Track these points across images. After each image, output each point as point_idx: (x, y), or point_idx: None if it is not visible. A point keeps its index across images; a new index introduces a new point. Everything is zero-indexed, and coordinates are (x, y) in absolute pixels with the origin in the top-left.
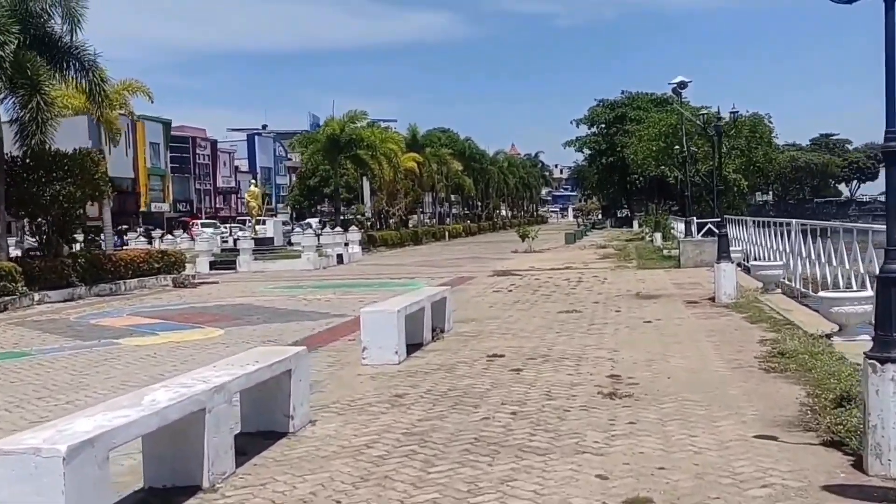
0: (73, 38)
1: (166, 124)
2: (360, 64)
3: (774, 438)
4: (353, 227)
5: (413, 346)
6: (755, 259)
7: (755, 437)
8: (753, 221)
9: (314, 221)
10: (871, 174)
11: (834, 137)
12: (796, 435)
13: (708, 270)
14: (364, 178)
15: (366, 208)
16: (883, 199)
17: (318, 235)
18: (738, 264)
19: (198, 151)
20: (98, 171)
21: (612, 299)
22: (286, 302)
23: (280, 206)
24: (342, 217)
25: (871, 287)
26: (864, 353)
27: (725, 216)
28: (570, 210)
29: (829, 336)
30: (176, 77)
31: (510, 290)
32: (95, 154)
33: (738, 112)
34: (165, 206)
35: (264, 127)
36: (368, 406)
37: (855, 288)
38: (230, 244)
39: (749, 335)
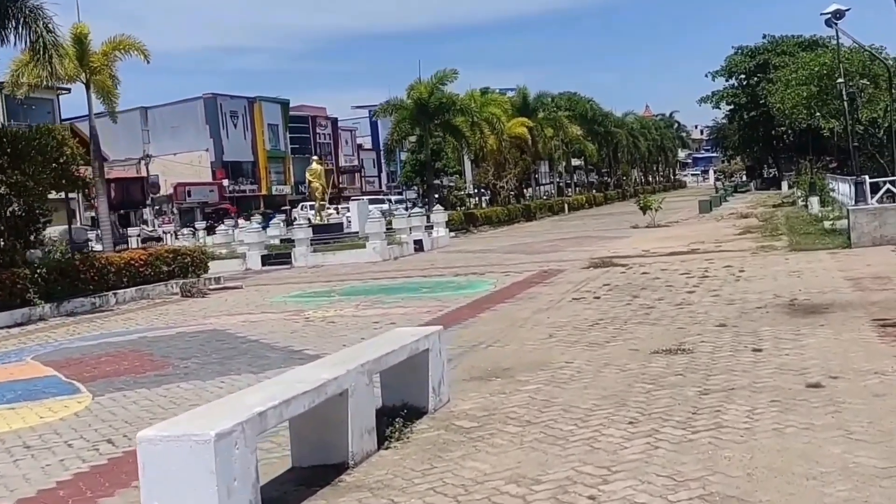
0: None
1: (284, 104)
2: (489, 38)
3: None
4: (438, 207)
5: (319, 475)
6: None
7: None
8: None
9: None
10: None
11: None
12: None
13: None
14: (462, 149)
15: (466, 183)
16: None
17: (388, 219)
18: None
19: (318, 131)
20: (64, 154)
21: (748, 316)
22: (277, 326)
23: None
24: (440, 194)
25: None
26: None
27: None
28: (710, 173)
29: None
30: (308, 63)
31: (597, 298)
32: (59, 131)
33: None
34: (287, 189)
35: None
36: None
37: None
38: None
39: None
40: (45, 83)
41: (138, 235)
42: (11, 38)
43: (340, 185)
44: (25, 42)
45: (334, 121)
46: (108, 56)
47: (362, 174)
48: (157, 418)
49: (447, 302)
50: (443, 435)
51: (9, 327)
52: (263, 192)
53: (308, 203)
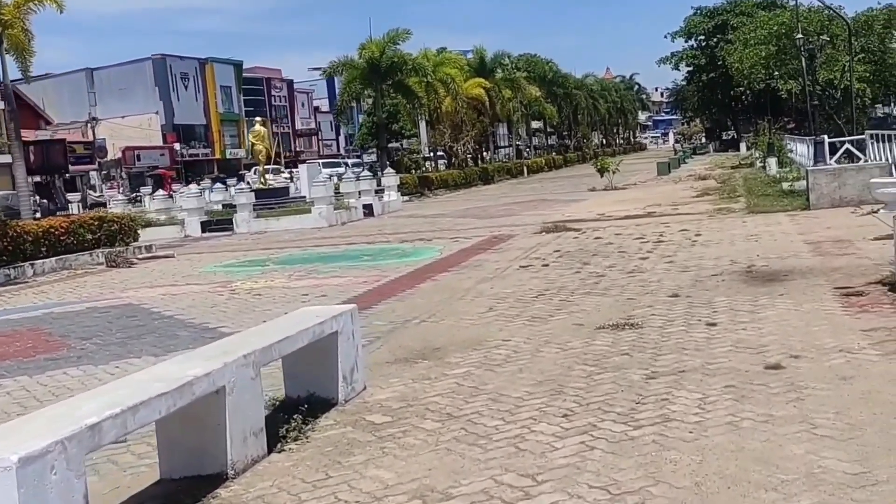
0: None
1: (237, 66)
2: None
3: None
4: (390, 170)
5: (189, 489)
6: None
7: None
8: None
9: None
10: None
11: None
12: None
13: (855, 215)
14: (416, 110)
15: (422, 145)
16: None
17: (336, 183)
18: None
19: (273, 93)
20: None
21: (703, 284)
22: (198, 299)
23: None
24: (395, 158)
25: None
26: None
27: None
28: (670, 135)
29: None
30: (265, 24)
31: (545, 265)
32: None
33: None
34: (241, 153)
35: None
36: None
37: None
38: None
39: None
40: None
41: (79, 201)
42: None
43: (297, 150)
44: None
45: (290, 83)
46: (20, 9)
47: (319, 137)
48: (14, 415)
49: (387, 271)
50: (348, 434)
51: None
52: (217, 155)
53: (269, 166)
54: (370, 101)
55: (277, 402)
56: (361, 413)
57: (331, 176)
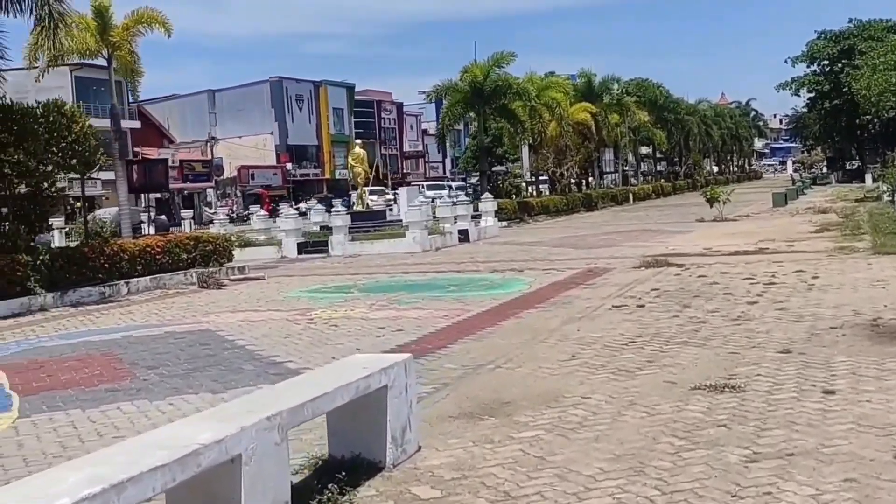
0: None
1: (350, 89)
2: (561, 24)
3: None
4: (487, 195)
5: None
6: None
7: None
8: None
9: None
10: None
11: None
12: None
13: None
14: (519, 134)
15: (523, 170)
16: None
17: (433, 207)
18: None
19: (383, 115)
20: (72, 133)
21: (819, 339)
22: (274, 328)
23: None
24: (496, 182)
25: None
26: None
27: None
28: (788, 163)
29: None
30: (379, 48)
31: (641, 306)
32: (71, 108)
33: None
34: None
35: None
36: None
37: None
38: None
39: None
40: (61, 58)
41: (191, 218)
42: (17, 6)
43: (404, 172)
44: (32, 12)
45: (399, 105)
46: (128, 30)
47: (426, 160)
48: (51, 458)
49: (471, 304)
50: None
51: (2, 318)
52: (327, 176)
53: (367, 188)
54: (476, 124)
55: (319, 462)
56: (408, 483)
57: (433, 199)
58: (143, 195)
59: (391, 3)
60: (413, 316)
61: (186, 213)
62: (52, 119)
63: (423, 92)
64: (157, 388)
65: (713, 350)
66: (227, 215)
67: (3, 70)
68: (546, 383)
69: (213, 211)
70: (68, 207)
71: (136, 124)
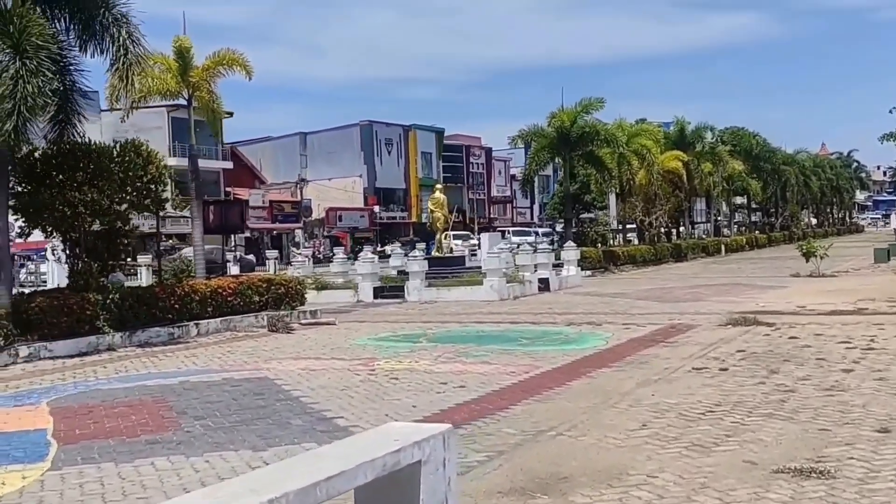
0: None
1: (439, 133)
2: (656, 71)
3: None
4: (570, 243)
5: None
6: None
7: None
8: None
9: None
10: None
11: None
12: None
13: None
14: (606, 181)
15: (610, 217)
16: None
17: (513, 254)
18: None
19: (472, 160)
20: (147, 173)
21: None
22: (333, 378)
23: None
24: (582, 230)
25: None
26: None
27: None
28: (892, 217)
29: None
30: (471, 93)
31: (724, 369)
32: (147, 149)
33: None
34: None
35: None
36: None
37: None
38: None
39: None
40: (144, 99)
41: (276, 258)
42: (97, 47)
43: (491, 217)
44: (110, 53)
45: (488, 150)
46: (208, 71)
47: (514, 205)
48: None
49: (541, 360)
50: None
51: (69, 357)
52: (414, 219)
53: (452, 233)
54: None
55: None
56: None
57: (518, 245)
58: (232, 235)
59: (483, 49)
60: (479, 371)
61: (272, 254)
62: (127, 159)
63: (510, 137)
64: (197, 442)
65: (801, 425)
66: (312, 256)
67: (103, 111)
68: (610, 456)
69: (298, 251)
70: (160, 245)
71: (229, 165)
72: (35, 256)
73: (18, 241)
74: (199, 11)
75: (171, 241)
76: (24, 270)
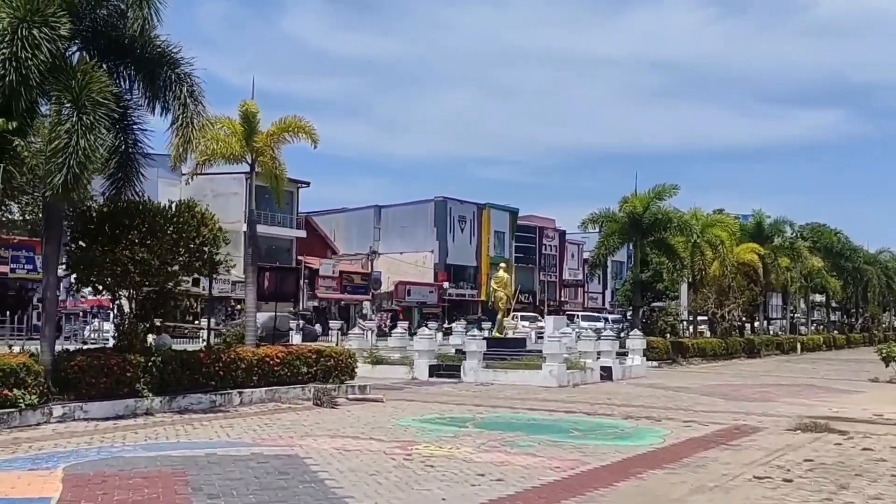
0: (145, 30)
1: (513, 213)
2: (737, 163)
3: None
4: (636, 332)
5: None
6: None
7: None
8: None
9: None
10: None
11: None
12: None
13: None
14: (678, 270)
15: (681, 307)
16: None
17: (576, 340)
18: None
19: (545, 242)
20: (201, 235)
21: None
22: (366, 461)
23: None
24: (648, 318)
25: None
26: None
27: None
28: None
29: None
30: (555, 176)
31: (788, 480)
32: (201, 209)
33: None
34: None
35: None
36: None
37: None
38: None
39: None
40: (205, 162)
41: (339, 329)
42: (162, 106)
43: (562, 300)
44: (172, 112)
45: (562, 233)
46: (272, 137)
47: (586, 289)
48: None
49: (590, 456)
50: None
51: (104, 419)
52: (483, 297)
53: (520, 314)
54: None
55: None
56: None
57: (586, 329)
58: (287, 303)
59: (563, 133)
60: (522, 463)
61: (335, 324)
62: (182, 220)
63: (582, 221)
64: None
65: None
66: (378, 328)
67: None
68: None
69: (364, 322)
70: (229, 309)
71: (302, 234)
72: (100, 313)
73: (91, 298)
74: (297, 87)
75: (240, 305)
76: (88, 328)
